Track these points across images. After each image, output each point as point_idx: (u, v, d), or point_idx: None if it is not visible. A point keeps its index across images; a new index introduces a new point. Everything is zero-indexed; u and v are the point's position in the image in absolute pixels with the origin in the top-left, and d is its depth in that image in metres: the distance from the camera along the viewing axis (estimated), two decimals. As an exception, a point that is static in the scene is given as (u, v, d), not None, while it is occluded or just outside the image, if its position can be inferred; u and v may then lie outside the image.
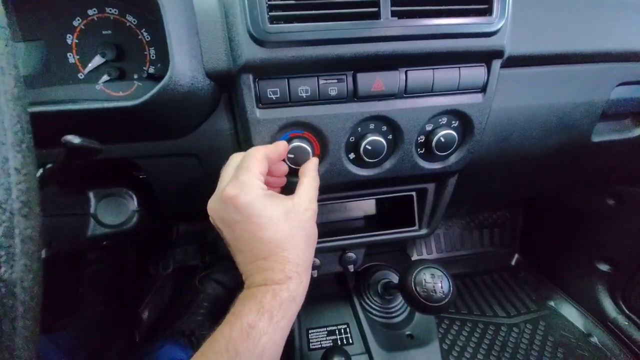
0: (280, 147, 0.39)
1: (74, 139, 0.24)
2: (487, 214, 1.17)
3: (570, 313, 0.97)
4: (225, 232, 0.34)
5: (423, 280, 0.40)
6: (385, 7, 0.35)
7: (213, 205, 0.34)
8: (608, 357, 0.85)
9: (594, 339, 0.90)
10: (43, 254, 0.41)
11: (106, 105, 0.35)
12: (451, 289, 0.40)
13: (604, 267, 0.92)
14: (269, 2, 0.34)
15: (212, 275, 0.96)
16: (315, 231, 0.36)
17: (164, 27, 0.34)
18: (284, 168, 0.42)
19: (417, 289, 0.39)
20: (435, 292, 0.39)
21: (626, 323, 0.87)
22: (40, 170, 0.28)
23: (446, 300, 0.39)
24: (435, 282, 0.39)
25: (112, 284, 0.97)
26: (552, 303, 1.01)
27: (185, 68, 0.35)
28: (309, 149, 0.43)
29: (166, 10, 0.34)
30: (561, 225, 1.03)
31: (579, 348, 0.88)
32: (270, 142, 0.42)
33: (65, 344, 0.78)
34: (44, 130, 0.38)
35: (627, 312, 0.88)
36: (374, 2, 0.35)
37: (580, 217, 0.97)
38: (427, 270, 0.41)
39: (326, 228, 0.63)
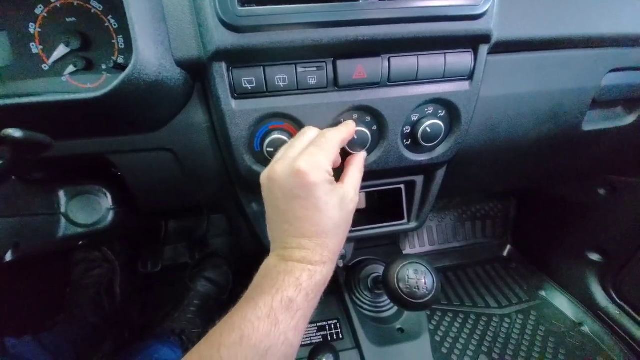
0: (351, 130, 0.40)
1: (15, 133, 0.22)
2: (480, 206, 1.17)
3: (562, 303, 0.97)
4: (280, 202, 0.33)
5: (406, 277, 0.38)
6: (364, -13, 0.33)
7: (280, 173, 0.33)
8: (599, 345, 0.86)
9: (585, 328, 0.90)
10: (8, 256, 0.39)
11: (67, 97, 0.32)
12: (435, 284, 0.38)
13: (594, 257, 0.92)
14: (239, -17, 0.31)
15: (203, 273, 0.95)
16: (351, 223, 0.37)
17: (125, 10, 0.31)
18: (338, 159, 0.41)
19: (400, 286, 0.38)
20: (419, 289, 0.37)
21: (617, 312, 0.87)
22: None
23: (430, 296, 0.38)
24: (418, 278, 0.38)
25: (101, 283, 0.95)
26: (543, 293, 1.01)
27: (151, 56, 0.33)
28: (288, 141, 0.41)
29: None
30: (552, 215, 1.03)
31: (570, 337, 0.89)
32: (248, 135, 0.41)
33: (52, 344, 0.76)
34: (4, 125, 0.36)
35: (618, 301, 0.88)
36: (352, -18, 0.33)
37: (571, 207, 0.97)
38: (411, 266, 0.39)
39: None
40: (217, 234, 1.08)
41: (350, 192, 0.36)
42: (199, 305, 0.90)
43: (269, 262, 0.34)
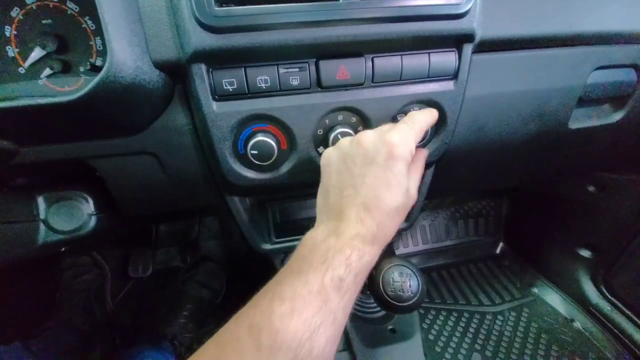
0: (436, 115, 0.41)
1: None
2: (472, 204, 1.17)
3: (553, 299, 0.98)
4: (355, 166, 0.33)
5: (391, 280, 0.38)
6: (344, -14, 0.32)
7: (369, 139, 0.33)
8: (591, 341, 0.86)
9: (577, 324, 0.91)
10: (-15, 265, 0.38)
11: (40, 101, 0.32)
12: (420, 286, 0.38)
13: (585, 254, 0.93)
14: (215, -18, 0.31)
15: (195, 277, 0.94)
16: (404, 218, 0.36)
17: (97, 10, 0.30)
18: None
19: (386, 289, 0.38)
20: (404, 292, 0.37)
21: (608, 308, 0.88)
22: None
23: (415, 299, 0.38)
24: (403, 280, 0.38)
25: (90, 288, 0.94)
26: (535, 290, 1.02)
27: (126, 58, 0.32)
28: (273, 143, 0.40)
29: None
30: (544, 213, 1.04)
31: (563, 333, 0.89)
32: (232, 138, 0.40)
33: (40, 350, 0.75)
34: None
35: (609, 296, 0.89)
36: (332, -19, 0.32)
37: (562, 205, 0.97)
38: (396, 268, 0.39)
39: (300, 225, 0.61)
40: (209, 237, 1.07)
41: (413, 187, 0.36)
42: (191, 310, 0.90)
43: (316, 235, 0.32)
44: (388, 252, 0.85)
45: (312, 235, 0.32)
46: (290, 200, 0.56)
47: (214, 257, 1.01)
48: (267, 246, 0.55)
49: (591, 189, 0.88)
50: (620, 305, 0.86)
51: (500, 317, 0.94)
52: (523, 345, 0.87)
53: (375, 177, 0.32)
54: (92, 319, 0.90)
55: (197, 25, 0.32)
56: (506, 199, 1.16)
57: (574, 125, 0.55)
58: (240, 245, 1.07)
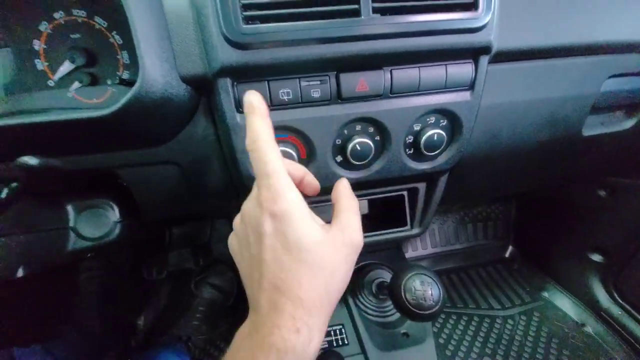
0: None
1: (30, 160, 0.22)
2: (481, 208, 1.17)
3: (564, 303, 0.98)
4: (250, 247, 0.29)
5: (413, 288, 0.39)
6: (366, 5, 0.33)
7: (247, 210, 0.30)
8: (602, 346, 0.86)
9: (588, 329, 0.91)
10: (20, 272, 0.40)
11: (74, 116, 0.33)
12: (441, 295, 0.39)
13: (596, 258, 0.93)
14: (243, 1, 0.32)
15: (208, 279, 0.96)
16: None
17: (130, 29, 0.32)
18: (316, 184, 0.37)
19: (407, 297, 0.39)
20: (425, 300, 0.38)
21: (619, 312, 0.88)
22: (5, 190, 0.26)
23: (437, 307, 0.38)
24: (425, 289, 0.39)
25: (106, 291, 0.95)
26: (545, 294, 1.02)
27: (157, 74, 0.33)
28: (293, 153, 0.41)
29: (132, 13, 0.32)
30: (554, 216, 1.04)
31: (573, 338, 0.89)
32: (253, 148, 0.41)
33: (60, 352, 0.77)
34: (14, 143, 0.36)
35: (620, 301, 0.89)
36: (355, -1, 0.33)
37: (573, 209, 0.97)
38: (417, 277, 0.40)
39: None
40: (220, 239, 1.09)
41: (350, 228, 0.31)
42: (204, 312, 0.91)
43: (243, 331, 0.28)
44: (399, 257, 0.86)
45: (239, 335, 0.29)
46: (310, 206, 0.57)
47: (225, 259, 1.03)
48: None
49: (601, 193, 0.88)
50: (630, 309, 0.86)
51: (510, 321, 0.94)
52: (534, 349, 0.87)
53: (271, 248, 0.27)
54: (107, 321, 0.92)
55: (225, 41, 0.33)
56: (515, 203, 1.16)
57: (587, 132, 0.56)
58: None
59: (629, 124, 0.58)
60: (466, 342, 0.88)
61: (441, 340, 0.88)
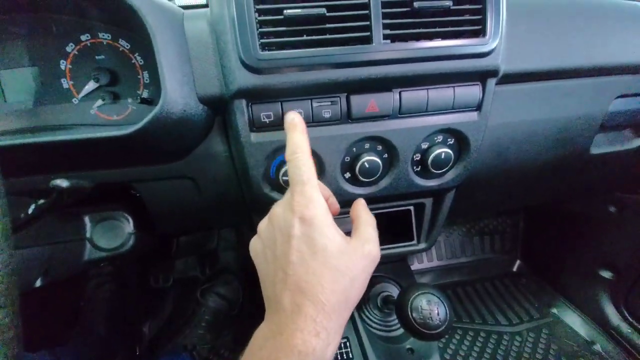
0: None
1: (63, 183, 0.23)
2: (488, 221, 1.16)
3: (573, 321, 0.96)
4: (275, 248, 0.30)
5: (419, 307, 0.39)
6: (377, 31, 0.35)
7: (276, 213, 0.31)
8: (612, 365, 0.84)
9: (597, 347, 0.89)
10: (38, 282, 0.41)
11: (98, 135, 0.35)
12: (448, 315, 0.39)
13: (606, 274, 0.91)
14: (260, 29, 0.34)
15: (214, 289, 0.96)
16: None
17: (154, 54, 0.34)
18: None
19: (414, 316, 0.39)
20: (432, 320, 0.38)
21: (629, 330, 0.86)
22: (32, 207, 0.28)
23: (443, 327, 0.39)
24: (431, 308, 0.39)
25: (113, 298, 0.97)
26: (554, 310, 1.00)
27: (177, 95, 0.35)
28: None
29: (157, 38, 0.33)
30: (562, 231, 1.03)
31: (583, 357, 0.87)
32: (265, 164, 0.42)
33: (66, 358, 0.78)
34: (40, 158, 0.38)
35: (630, 319, 0.87)
36: (366, 26, 0.35)
37: (582, 224, 0.96)
38: (424, 296, 0.40)
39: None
40: (226, 247, 1.10)
41: (369, 242, 0.32)
42: (209, 321, 0.91)
43: (263, 333, 0.29)
44: (405, 270, 0.86)
45: (259, 335, 0.29)
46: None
47: (231, 268, 1.04)
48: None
49: (612, 209, 0.87)
50: (642, 328, 0.84)
51: (518, 337, 0.93)
52: (542, 367, 0.85)
53: (298, 250, 0.28)
54: (114, 328, 0.93)
55: (242, 66, 0.35)
56: (523, 216, 1.15)
57: (595, 150, 0.56)
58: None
59: (637, 142, 0.58)
60: (472, 358, 0.87)
61: (447, 356, 0.87)
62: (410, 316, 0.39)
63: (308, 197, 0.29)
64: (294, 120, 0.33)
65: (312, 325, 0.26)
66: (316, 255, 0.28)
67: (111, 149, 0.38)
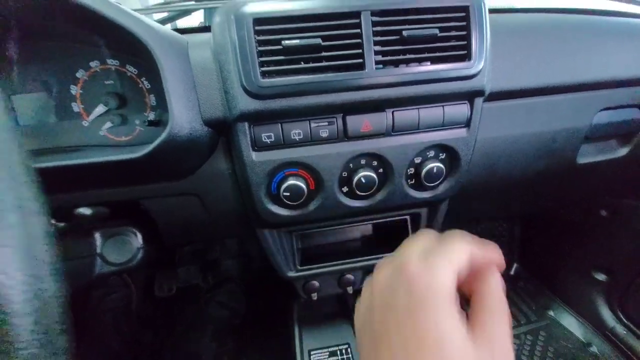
0: (494, 255, 0.26)
1: (86, 211, 0.26)
2: (485, 225, 1.19)
3: (570, 323, 0.98)
4: (374, 321, 0.23)
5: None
6: (370, 58, 0.37)
7: (381, 275, 0.25)
8: (608, 367, 0.86)
9: (594, 349, 0.91)
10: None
11: (111, 158, 0.37)
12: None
13: (600, 277, 0.94)
14: (260, 59, 0.36)
15: (217, 298, 0.98)
16: None
17: (162, 82, 0.36)
18: None
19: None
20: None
21: (624, 332, 0.88)
22: (53, 229, 0.30)
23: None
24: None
25: (119, 307, 0.98)
26: (551, 313, 1.02)
27: (183, 119, 0.37)
28: (303, 186, 0.45)
29: (164, 68, 0.36)
30: (558, 235, 1.05)
31: (579, 358, 0.89)
32: (267, 181, 0.45)
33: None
34: (55, 180, 0.40)
35: (625, 320, 0.89)
36: (359, 54, 0.37)
37: (576, 228, 0.98)
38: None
39: (324, 250, 0.65)
40: (228, 257, 1.12)
41: (499, 341, 0.22)
42: (213, 329, 0.93)
43: None
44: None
45: None
46: (313, 229, 0.60)
47: (234, 278, 1.06)
48: (292, 273, 0.59)
49: (604, 213, 0.89)
50: (636, 329, 0.86)
51: (516, 340, 0.95)
52: (540, 369, 0.87)
53: (398, 331, 0.21)
54: (120, 337, 0.94)
55: (244, 92, 0.37)
56: (519, 222, 1.17)
57: (581, 160, 0.58)
58: (257, 263, 1.11)
59: (623, 151, 0.61)
60: (472, 361, 0.89)
61: None
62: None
63: (434, 265, 0.22)
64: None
65: None
66: (424, 348, 0.20)
67: (122, 170, 0.40)
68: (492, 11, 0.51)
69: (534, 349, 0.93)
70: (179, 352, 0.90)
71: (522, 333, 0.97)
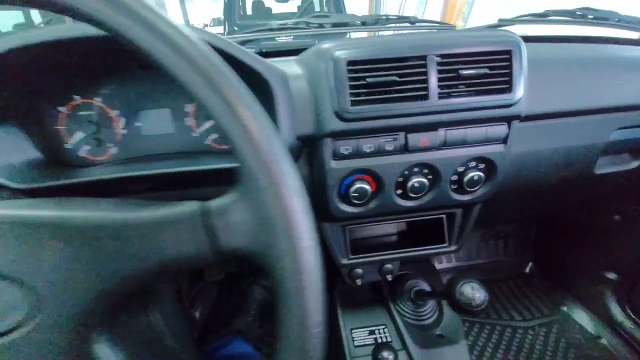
0: None
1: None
2: (502, 226, 1.28)
3: (581, 317, 1.07)
4: None
5: (465, 292, 0.52)
6: (433, 91, 0.48)
7: None
8: (616, 357, 0.95)
9: (603, 341, 1.00)
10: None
11: (223, 165, 0.48)
12: (485, 298, 0.52)
13: (611, 276, 1.02)
14: (351, 91, 0.47)
15: (259, 281, 1.10)
16: None
17: (274, 107, 0.47)
18: None
19: (461, 299, 0.52)
20: (474, 300, 0.52)
21: (632, 326, 0.97)
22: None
23: (482, 306, 0.52)
24: (474, 292, 0.52)
25: (173, 290, 1.11)
26: (564, 308, 1.11)
27: (286, 134, 0.49)
28: (368, 188, 0.55)
29: (277, 95, 0.47)
30: (572, 237, 1.14)
31: (590, 349, 0.98)
32: (339, 184, 0.55)
33: (126, 342, 0.92)
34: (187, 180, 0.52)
35: (633, 316, 0.98)
36: (424, 87, 0.48)
37: (589, 231, 1.07)
38: (468, 284, 0.53)
39: (367, 243, 0.75)
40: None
41: None
42: (257, 309, 1.05)
43: None
44: (430, 269, 0.98)
45: None
46: (364, 224, 0.71)
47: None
48: (345, 261, 0.71)
49: (616, 217, 0.98)
50: (643, 324, 0.95)
51: (531, 331, 1.04)
52: (553, 358, 0.96)
53: None
54: (173, 315, 1.07)
55: (335, 116, 0.48)
56: (535, 223, 1.26)
57: (598, 171, 0.68)
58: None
59: (634, 164, 0.70)
60: (489, 348, 0.99)
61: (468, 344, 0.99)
62: (458, 299, 0.52)
63: None
64: None
65: None
66: None
67: (219, 175, 0.51)
68: (525, 39, 0.60)
69: (547, 340, 1.02)
70: (228, 329, 1.02)
71: (535, 325, 1.07)
